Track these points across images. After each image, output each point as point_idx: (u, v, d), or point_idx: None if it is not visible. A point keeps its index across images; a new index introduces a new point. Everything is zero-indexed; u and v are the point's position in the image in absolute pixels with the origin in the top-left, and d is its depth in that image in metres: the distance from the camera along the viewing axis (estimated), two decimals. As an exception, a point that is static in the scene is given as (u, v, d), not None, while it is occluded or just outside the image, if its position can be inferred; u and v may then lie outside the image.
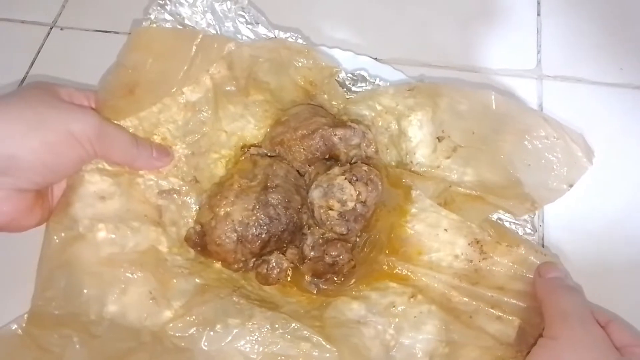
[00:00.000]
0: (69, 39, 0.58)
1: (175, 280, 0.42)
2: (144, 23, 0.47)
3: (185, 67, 0.45)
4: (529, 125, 0.44)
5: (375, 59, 0.51)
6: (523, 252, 0.43)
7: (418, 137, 0.47)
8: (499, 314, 0.41)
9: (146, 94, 0.45)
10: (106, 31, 0.57)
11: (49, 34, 0.58)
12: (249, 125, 0.50)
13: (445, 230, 0.45)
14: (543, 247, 0.45)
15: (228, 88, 0.48)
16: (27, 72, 0.55)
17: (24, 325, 0.40)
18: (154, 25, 0.47)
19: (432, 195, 0.45)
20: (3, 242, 0.44)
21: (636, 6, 0.55)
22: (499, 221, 0.46)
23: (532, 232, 0.45)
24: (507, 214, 0.46)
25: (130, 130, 0.45)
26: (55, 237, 0.41)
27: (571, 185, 0.44)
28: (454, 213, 0.45)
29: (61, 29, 0.58)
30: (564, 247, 0.45)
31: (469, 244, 0.44)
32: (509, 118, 0.44)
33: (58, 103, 0.40)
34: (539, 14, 0.55)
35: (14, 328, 0.40)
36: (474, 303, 0.42)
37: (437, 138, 0.47)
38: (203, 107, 0.47)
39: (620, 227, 0.45)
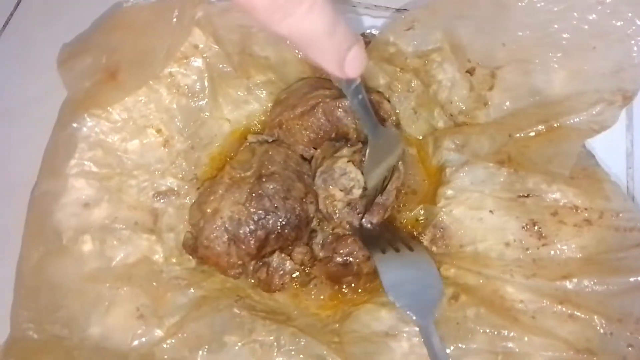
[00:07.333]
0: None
1: (170, 294, 0.37)
2: (124, 5, 0.42)
3: (168, 42, 0.39)
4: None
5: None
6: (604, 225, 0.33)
7: (446, 81, 0.38)
8: (571, 311, 0.32)
9: (130, 77, 0.40)
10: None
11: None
12: (255, 112, 0.44)
13: (491, 212, 0.36)
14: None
15: (223, 67, 0.42)
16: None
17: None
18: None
19: (489, 152, 0.36)
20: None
21: None
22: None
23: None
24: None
25: (119, 125, 0.40)
26: (34, 252, 0.36)
27: None
28: (522, 170, 0.34)
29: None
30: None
31: (523, 227, 0.35)
32: (537, 5, 0.34)
33: None
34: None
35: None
36: (536, 300, 0.33)
37: (467, 72, 0.37)
38: (198, 91, 0.42)
39: None
